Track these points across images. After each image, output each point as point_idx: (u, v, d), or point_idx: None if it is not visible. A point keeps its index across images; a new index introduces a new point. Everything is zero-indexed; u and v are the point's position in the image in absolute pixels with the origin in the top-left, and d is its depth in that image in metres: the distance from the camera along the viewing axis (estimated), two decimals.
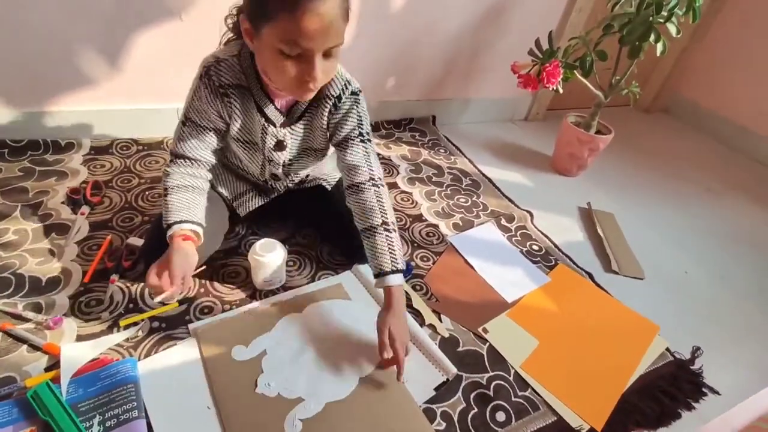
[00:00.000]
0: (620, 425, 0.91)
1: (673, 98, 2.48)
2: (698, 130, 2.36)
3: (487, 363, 0.97)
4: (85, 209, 1.13)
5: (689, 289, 1.32)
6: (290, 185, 1.12)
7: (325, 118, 0.93)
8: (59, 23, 1.20)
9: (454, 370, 0.92)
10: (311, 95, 0.82)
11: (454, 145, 1.81)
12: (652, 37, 1.37)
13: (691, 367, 1.07)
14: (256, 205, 1.10)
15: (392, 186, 1.49)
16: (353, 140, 0.95)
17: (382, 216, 0.93)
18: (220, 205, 1.06)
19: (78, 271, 0.99)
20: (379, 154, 1.63)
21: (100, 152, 1.37)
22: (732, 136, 2.26)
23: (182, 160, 0.92)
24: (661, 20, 1.35)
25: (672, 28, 1.37)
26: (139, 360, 0.84)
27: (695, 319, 1.22)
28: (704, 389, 1.02)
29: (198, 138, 0.91)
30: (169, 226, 0.85)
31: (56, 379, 0.77)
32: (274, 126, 0.92)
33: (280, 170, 1.03)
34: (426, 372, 0.92)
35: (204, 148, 0.93)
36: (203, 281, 1.02)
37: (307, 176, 1.13)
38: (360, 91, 0.93)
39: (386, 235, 0.92)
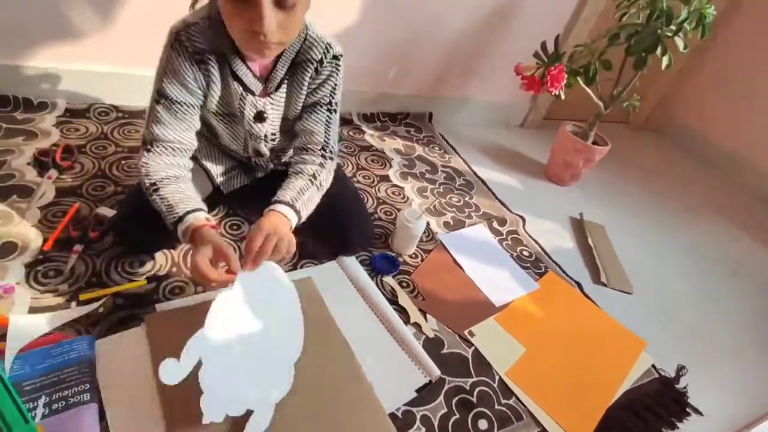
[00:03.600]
0: None
1: (667, 119, 2.50)
2: (688, 152, 2.38)
3: (471, 367, 0.93)
4: (53, 173, 1.05)
5: (675, 307, 1.30)
6: (275, 164, 1.06)
7: (306, 84, 0.87)
8: None
9: (437, 371, 0.88)
10: (269, 53, 0.75)
11: (449, 143, 1.77)
12: (659, 50, 1.35)
13: (676, 386, 1.04)
14: (241, 184, 1.04)
15: (384, 179, 1.44)
16: (321, 107, 0.91)
17: (318, 176, 0.89)
18: (203, 178, 0.99)
19: (38, 238, 0.90)
20: (372, 146, 1.58)
21: (76, 115, 1.27)
22: (722, 162, 2.27)
23: (161, 147, 0.80)
24: (670, 33, 1.34)
25: (680, 43, 1.35)
26: (98, 339, 0.76)
27: (680, 337, 1.20)
28: (688, 409, 1.00)
29: (177, 117, 0.80)
30: (181, 218, 0.75)
31: (0, 353, 0.69)
32: (253, 95, 0.86)
33: (263, 145, 0.96)
34: (408, 372, 0.87)
35: (185, 129, 0.82)
36: (176, 259, 0.95)
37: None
38: (341, 55, 0.87)
39: (310, 187, 0.87)
